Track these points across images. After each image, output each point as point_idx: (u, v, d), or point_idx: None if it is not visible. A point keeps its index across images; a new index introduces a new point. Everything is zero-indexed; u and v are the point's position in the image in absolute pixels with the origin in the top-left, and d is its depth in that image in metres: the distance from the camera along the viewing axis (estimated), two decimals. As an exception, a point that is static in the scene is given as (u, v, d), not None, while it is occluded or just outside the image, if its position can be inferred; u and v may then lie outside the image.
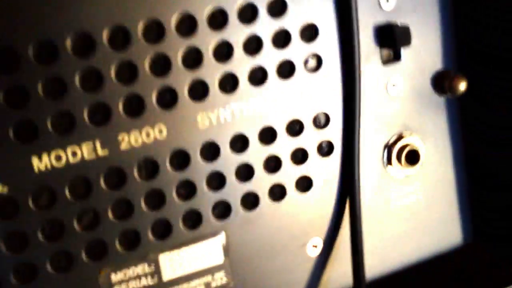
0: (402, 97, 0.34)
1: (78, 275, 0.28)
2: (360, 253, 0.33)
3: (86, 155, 0.27)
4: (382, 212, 0.35)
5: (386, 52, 0.33)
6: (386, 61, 0.33)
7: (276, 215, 0.32)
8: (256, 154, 0.30)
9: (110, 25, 0.26)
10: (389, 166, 0.35)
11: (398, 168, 0.35)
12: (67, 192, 0.27)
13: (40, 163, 0.26)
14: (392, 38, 0.32)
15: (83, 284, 0.28)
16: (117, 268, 0.29)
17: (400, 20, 0.32)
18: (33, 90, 0.25)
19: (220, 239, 0.31)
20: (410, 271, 0.37)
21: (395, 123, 0.34)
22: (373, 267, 0.35)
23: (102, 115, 0.27)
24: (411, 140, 0.35)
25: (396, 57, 0.33)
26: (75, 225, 0.28)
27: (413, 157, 0.34)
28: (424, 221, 0.36)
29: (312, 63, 0.31)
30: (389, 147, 0.35)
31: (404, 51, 0.33)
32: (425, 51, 0.33)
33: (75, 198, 0.27)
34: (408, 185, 0.36)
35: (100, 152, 0.27)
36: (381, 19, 0.32)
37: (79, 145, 0.27)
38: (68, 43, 0.25)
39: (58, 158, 0.26)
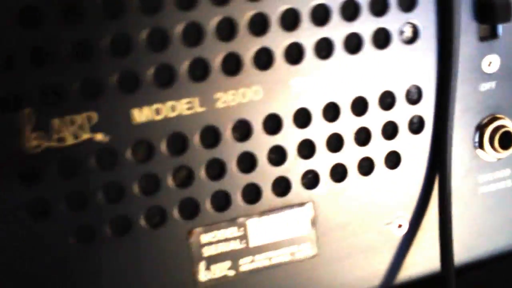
0: (498, 76, 0.33)
1: (170, 232, 0.28)
2: (449, 236, 0.33)
3: (184, 111, 0.27)
4: (470, 197, 0.34)
5: (483, 28, 0.32)
6: (483, 38, 0.32)
7: (363, 190, 0.32)
8: (347, 125, 0.30)
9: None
10: (479, 148, 0.34)
11: (490, 151, 0.34)
12: (163, 146, 0.27)
13: (141, 115, 0.26)
14: (491, 14, 0.31)
15: (174, 242, 0.29)
16: (207, 229, 0.29)
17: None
18: (136, 40, 0.25)
19: (307, 209, 0.31)
20: (497, 261, 0.35)
21: (489, 104, 0.33)
22: (459, 254, 0.34)
23: (201, 72, 0.27)
24: (505, 122, 0.33)
25: (494, 34, 0.32)
26: (170, 181, 0.28)
27: (507, 140, 0.33)
28: (515, 209, 0.35)
29: (408, 33, 0.30)
30: (481, 128, 0.34)
31: (503, 28, 0.32)
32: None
33: (171, 153, 0.27)
34: (499, 170, 0.34)
35: (198, 108, 0.27)
36: (480, -8, 0.31)
37: (178, 100, 0.27)
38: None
39: (158, 111, 0.27)
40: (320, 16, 0.28)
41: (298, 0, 0.28)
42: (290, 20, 0.28)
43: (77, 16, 0.25)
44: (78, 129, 0.26)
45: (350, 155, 0.31)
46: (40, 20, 0.24)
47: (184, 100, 0.27)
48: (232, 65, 0.27)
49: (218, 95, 0.28)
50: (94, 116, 0.26)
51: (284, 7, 0.27)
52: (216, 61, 0.27)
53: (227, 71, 0.27)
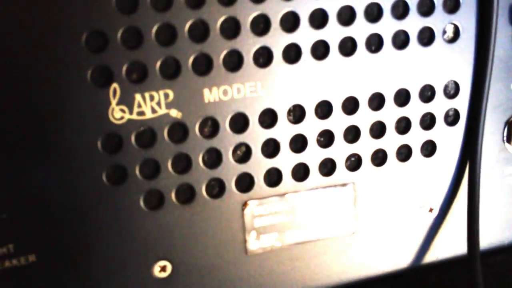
0: (530, 76, 0.36)
1: (227, 203, 0.31)
2: (476, 222, 0.35)
3: (247, 93, 0.30)
4: (497, 186, 0.37)
5: (518, 31, 0.35)
6: (518, 40, 0.35)
7: (400, 175, 0.35)
8: (390, 113, 0.33)
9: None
10: (507, 143, 0.36)
11: (517, 146, 0.36)
12: (227, 124, 0.30)
13: (210, 95, 0.30)
14: (526, 18, 0.34)
15: (229, 212, 0.32)
16: (260, 202, 0.32)
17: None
18: (213, 28, 0.28)
19: (349, 190, 0.34)
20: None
21: (519, 101, 0.36)
22: (484, 239, 0.37)
23: (264, 59, 0.30)
24: (533, 119, 0.36)
25: (527, 37, 0.35)
26: (230, 156, 0.31)
27: (533, 136, 0.36)
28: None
29: (450, 33, 0.33)
30: (510, 124, 0.36)
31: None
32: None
33: (233, 131, 0.30)
34: (525, 163, 0.37)
35: (260, 92, 0.30)
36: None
37: (243, 83, 0.30)
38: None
39: (225, 92, 0.30)
40: (372, 13, 0.31)
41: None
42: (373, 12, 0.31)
43: (165, 3, 0.27)
44: (156, 105, 0.29)
45: (391, 142, 0.34)
46: (135, 6, 0.27)
47: (248, 84, 0.30)
48: (292, 54, 0.30)
49: (278, 80, 0.31)
50: (170, 93, 0.29)
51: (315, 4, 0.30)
52: (278, 49, 0.30)
53: (286, 59, 0.30)
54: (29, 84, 0.27)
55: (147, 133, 0.29)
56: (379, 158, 0.34)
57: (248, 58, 0.30)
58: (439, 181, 0.35)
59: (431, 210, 0.36)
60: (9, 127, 0.27)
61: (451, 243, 0.37)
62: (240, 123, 0.31)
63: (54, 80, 0.27)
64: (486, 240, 0.37)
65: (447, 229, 0.36)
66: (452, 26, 0.33)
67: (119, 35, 0.27)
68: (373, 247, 0.35)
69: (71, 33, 0.27)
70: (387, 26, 0.31)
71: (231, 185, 0.31)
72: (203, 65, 0.29)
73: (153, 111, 0.29)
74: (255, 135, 0.31)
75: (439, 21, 0.32)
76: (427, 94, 0.34)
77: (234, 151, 0.31)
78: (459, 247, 0.37)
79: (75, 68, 0.27)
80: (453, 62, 0.33)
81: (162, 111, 0.29)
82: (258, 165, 0.31)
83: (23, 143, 0.27)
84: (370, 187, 0.34)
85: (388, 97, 0.33)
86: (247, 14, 0.29)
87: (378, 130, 0.33)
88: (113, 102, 0.28)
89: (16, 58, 0.26)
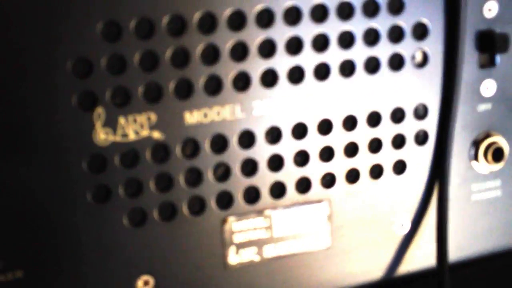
0: (493, 99, 0.38)
1: (207, 220, 0.33)
2: (444, 236, 0.37)
3: (227, 116, 0.32)
4: (464, 203, 0.39)
5: (483, 56, 0.37)
6: (483, 65, 0.37)
7: (373, 192, 0.36)
8: (363, 134, 0.35)
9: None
10: (474, 161, 0.39)
11: (483, 164, 0.39)
12: (207, 145, 0.32)
13: (191, 117, 0.31)
14: (491, 44, 0.36)
15: (210, 229, 0.33)
16: (239, 218, 0.34)
17: (499, 28, 0.36)
18: (193, 53, 0.30)
19: (324, 206, 0.35)
20: (486, 260, 0.40)
21: (485, 123, 0.38)
22: (453, 252, 0.39)
23: (243, 83, 0.32)
24: (498, 139, 0.38)
25: (492, 62, 0.37)
26: (210, 175, 0.32)
27: (498, 155, 0.38)
28: (504, 217, 0.40)
29: (419, 58, 0.35)
30: (476, 144, 0.38)
31: (500, 57, 0.37)
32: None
33: (213, 151, 0.32)
34: (490, 180, 0.39)
35: (239, 114, 0.32)
36: (482, 26, 0.36)
37: (223, 106, 0.32)
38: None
39: (205, 115, 0.31)
40: (345, 40, 0.33)
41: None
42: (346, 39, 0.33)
43: (148, 32, 0.29)
44: (139, 127, 0.30)
45: (363, 160, 0.36)
46: (119, 34, 0.29)
47: (228, 107, 0.32)
48: (269, 78, 0.32)
49: (256, 103, 0.32)
50: (153, 116, 0.30)
51: (318, 31, 0.32)
52: (256, 74, 0.32)
53: (264, 83, 0.32)
54: (16, 108, 0.28)
55: (130, 154, 0.30)
56: (353, 176, 0.36)
57: (227, 83, 0.31)
58: (410, 198, 0.37)
59: (402, 225, 0.38)
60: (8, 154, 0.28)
61: (421, 256, 0.39)
62: (219, 144, 0.32)
63: (41, 104, 0.28)
64: (455, 254, 0.39)
65: (418, 243, 0.38)
66: (421, 51, 0.35)
67: (103, 61, 0.29)
68: (347, 261, 0.37)
69: (58, 59, 0.28)
70: (360, 52, 0.33)
71: (211, 202, 0.33)
72: (184, 89, 0.31)
73: (136, 133, 0.30)
74: (234, 155, 0.32)
75: (408, 47, 0.34)
76: (398, 115, 0.36)
77: (214, 170, 0.32)
78: (429, 260, 0.39)
79: (61, 92, 0.28)
80: (422, 86, 0.35)
81: (145, 133, 0.30)
82: (237, 183, 0.33)
83: (12, 160, 0.28)
84: (344, 204, 0.36)
85: (361, 119, 0.35)
86: (226, 41, 0.30)
87: (351, 149, 0.35)
88: (98, 124, 0.29)
89: (4, 83, 0.28)
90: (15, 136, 0.28)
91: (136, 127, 0.30)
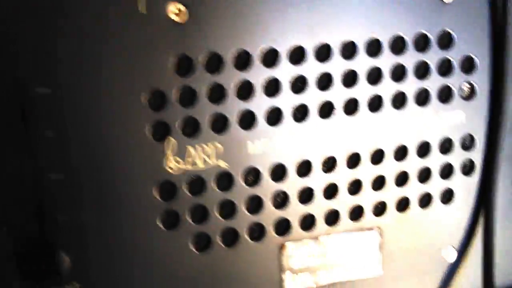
0: (539, 130, 0.39)
1: (265, 245, 0.34)
2: (491, 264, 0.38)
3: (287, 145, 0.33)
4: (510, 231, 0.40)
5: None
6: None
7: (421, 220, 0.38)
8: (412, 164, 0.36)
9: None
10: (519, 189, 0.40)
11: (527, 193, 0.40)
12: (267, 174, 0.33)
13: (254, 147, 0.33)
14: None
15: (268, 254, 0.34)
16: (295, 244, 0.35)
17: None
18: (256, 85, 0.32)
19: (375, 234, 0.37)
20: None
21: (529, 152, 0.39)
22: (499, 279, 0.40)
23: (301, 115, 0.33)
24: (542, 169, 0.39)
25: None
26: (269, 203, 0.34)
27: (543, 184, 0.39)
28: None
29: (466, 90, 0.37)
30: (521, 173, 0.39)
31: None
32: None
33: (273, 180, 0.33)
34: (535, 209, 0.40)
35: (297, 144, 0.34)
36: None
37: (283, 136, 0.33)
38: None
39: (266, 144, 0.33)
40: (398, 73, 0.35)
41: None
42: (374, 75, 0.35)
43: (217, 66, 0.31)
44: (206, 156, 0.32)
45: (413, 190, 0.37)
46: (191, 68, 0.30)
47: (287, 137, 0.33)
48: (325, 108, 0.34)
49: (312, 134, 0.34)
50: (219, 146, 0.32)
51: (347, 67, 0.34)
52: (313, 105, 0.33)
53: (320, 114, 0.34)
54: (95, 139, 0.30)
55: (198, 182, 0.32)
56: (403, 204, 0.37)
57: (287, 114, 0.33)
58: (458, 226, 0.38)
59: (450, 253, 0.39)
60: (82, 179, 0.30)
61: (468, 284, 0.39)
62: (279, 173, 0.34)
63: (116, 134, 0.30)
64: (501, 280, 0.39)
65: (465, 271, 0.39)
66: (468, 84, 0.37)
67: (175, 93, 0.30)
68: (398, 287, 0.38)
69: (134, 91, 0.30)
70: (411, 85, 0.35)
71: (270, 229, 0.34)
72: (247, 120, 0.32)
73: (205, 162, 0.32)
74: (292, 183, 0.34)
75: (457, 80, 0.36)
76: (446, 146, 0.37)
77: (273, 198, 0.34)
78: (476, 287, 0.39)
79: (135, 123, 0.30)
80: (470, 116, 0.37)
81: (212, 162, 0.32)
82: (295, 210, 0.34)
83: (88, 191, 0.30)
84: (394, 231, 0.37)
85: (411, 149, 0.36)
86: (286, 75, 0.32)
87: (402, 179, 0.36)
88: (169, 153, 0.31)
89: (86, 116, 0.29)
90: (95, 164, 0.30)
91: (205, 156, 0.31)
